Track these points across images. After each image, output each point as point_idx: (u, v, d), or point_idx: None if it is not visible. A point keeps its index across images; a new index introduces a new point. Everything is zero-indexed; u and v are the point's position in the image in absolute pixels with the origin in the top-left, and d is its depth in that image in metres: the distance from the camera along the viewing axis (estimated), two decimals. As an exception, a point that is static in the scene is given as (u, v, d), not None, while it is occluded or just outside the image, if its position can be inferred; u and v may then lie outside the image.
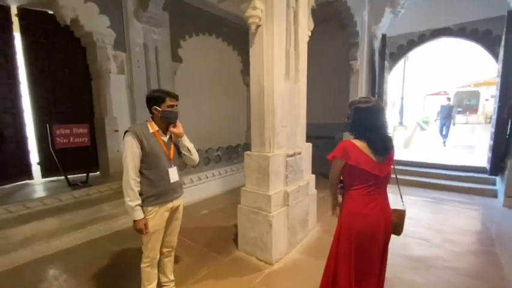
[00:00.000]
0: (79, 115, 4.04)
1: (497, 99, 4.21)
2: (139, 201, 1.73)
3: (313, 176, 3.42)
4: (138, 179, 1.73)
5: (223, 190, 5.10)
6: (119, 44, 3.91)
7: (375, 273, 1.62)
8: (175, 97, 1.84)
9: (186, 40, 4.87)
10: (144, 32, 4.09)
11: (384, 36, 5.31)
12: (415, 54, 8.93)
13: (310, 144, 3.37)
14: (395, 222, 1.64)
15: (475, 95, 16.73)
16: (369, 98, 1.61)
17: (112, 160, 3.93)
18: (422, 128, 12.87)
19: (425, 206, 4.22)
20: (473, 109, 16.86)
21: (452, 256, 2.76)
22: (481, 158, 5.83)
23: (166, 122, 1.86)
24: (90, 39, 3.67)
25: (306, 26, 3.02)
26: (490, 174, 4.62)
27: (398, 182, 1.76)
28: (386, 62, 5.51)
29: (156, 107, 1.79)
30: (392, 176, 1.67)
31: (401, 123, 9.64)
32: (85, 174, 3.80)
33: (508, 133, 4.25)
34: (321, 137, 6.35)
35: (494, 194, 4.53)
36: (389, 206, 1.63)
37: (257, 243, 2.69)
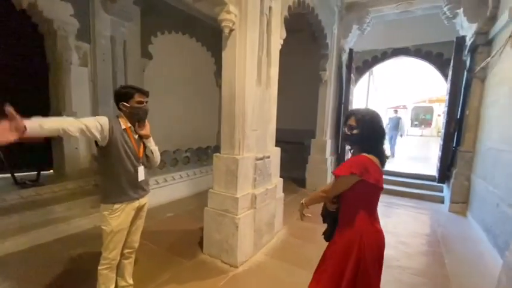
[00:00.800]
0: (33, 108, 3.68)
1: (446, 115, 4.70)
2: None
3: (281, 179, 3.50)
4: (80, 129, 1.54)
5: (191, 192, 4.98)
6: (83, 34, 3.67)
7: None
8: (145, 93, 1.80)
9: (158, 37, 4.72)
10: (111, 25, 3.89)
11: (351, 51, 5.66)
12: (379, 70, 9.65)
13: (279, 149, 3.45)
14: None
15: (429, 110, 18.50)
16: (368, 108, 1.57)
17: (69, 158, 3.64)
18: (383, 138, 13.82)
19: (382, 211, 4.53)
20: (427, 123, 18.61)
21: (403, 256, 3.00)
22: (433, 167, 6.43)
23: (135, 119, 1.81)
24: (49, 26, 3.40)
25: (278, 34, 3.11)
26: (438, 182, 5.12)
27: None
28: (352, 74, 5.86)
29: (124, 102, 1.74)
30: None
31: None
32: (36, 173, 3.46)
33: (454, 145, 4.75)
34: (290, 142, 6.54)
35: (441, 200, 5.03)
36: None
37: (223, 246, 2.67)
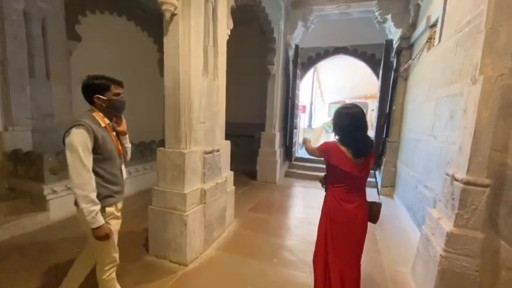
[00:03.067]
0: None
1: (377, 110, 5.28)
2: (100, 205, 1.49)
3: (232, 173, 3.46)
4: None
5: (134, 191, 4.59)
6: (-15, 5, 2.98)
7: (351, 259, 1.79)
8: (120, 84, 1.65)
9: (87, 16, 4.15)
10: (26, -3, 3.25)
11: (297, 47, 5.89)
12: (322, 67, 10.33)
13: (228, 142, 3.39)
14: (373, 213, 1.85)
15: (365, 106, 20.68)
16: (352, 104, 1.75)
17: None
18: (327, 131, 14.98)
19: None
20: (362, 117, 20.84)
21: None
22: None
23: (112, 114, 1.67)
24: None
25: (225, 23, 3.02)
26: (372, 170, 5.74)
27: (377, 180, 2.06)
28: (298, 70, 6.12)
29: (99, 95, 1.55)
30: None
31: (310, 126, 11.02)
32: None
33: (384, 137, 5.38)
34: (241, 135, 6.54)
35: (374, 185, 5.67)
36: (366, 203, 1.82)
37: (170, 245, 2.52)
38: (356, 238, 1.79)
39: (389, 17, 4.89)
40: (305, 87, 9.28)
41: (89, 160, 1.44)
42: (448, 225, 2.00)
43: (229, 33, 3.16)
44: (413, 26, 4.50)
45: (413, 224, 3.46)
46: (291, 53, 6.22)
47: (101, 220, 1.48)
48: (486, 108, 1.86)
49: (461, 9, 2.58)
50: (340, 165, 1.68)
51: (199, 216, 2.67)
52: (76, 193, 1.41)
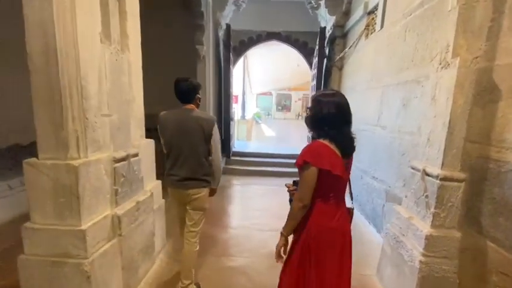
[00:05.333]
0: None
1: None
2: None
3: (159, 182, 2.60)
4: None
5: (7, 217, 3.11)
6: None
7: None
8: None
9: None
10: None
11: (228, 26, 5.21)
12: (252, 56, 9.94)
13: (151, 141, 2.51)
14: None
15: (289, 97, 21.81)
16: (334, 90, 1.41)
17: None
18: (257, 122, 14.95)
19: (272, 194, 4.49)
20: (288, 108, 21.97)
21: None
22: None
23: None
24: None
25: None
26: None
27: (350, 181, 1.49)
28: (231, 54, 5.47)
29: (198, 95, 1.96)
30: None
31: (243, 117, 10.65)
32: None
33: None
34: (167, 130, 5.50)
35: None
36: (346, 210, 1.44)
37: (61, 315, 1.57)
38: (348, 261, 1.41)
39: (322, 3, 4.74)
40: (236, 76, 8.73)
41: None
42: (424, 226, 1.79)
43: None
44: (347, 13, 4.46)
45: (361, 215, 3.40)
46: (222, 33, 5.51)
47: None
48: (461, 95, 1.68)
49: (412, -10, 2.43)
50: (333, 169, 1.24)
51: (113, 257, 1.78)
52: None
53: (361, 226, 3.28)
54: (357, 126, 3.75)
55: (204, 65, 4.77)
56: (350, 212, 1.48)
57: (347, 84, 4.43)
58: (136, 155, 2.11)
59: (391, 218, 2.21)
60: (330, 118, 1.27)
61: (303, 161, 1.24)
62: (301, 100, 21.75)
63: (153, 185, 2.47)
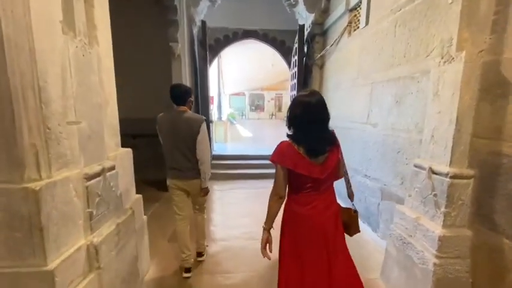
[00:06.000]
0: None
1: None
2: None
3: (140, 197, 2.28)
4: None
5: None
6: None
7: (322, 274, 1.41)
8: None
9: None
10: None
11: (203, 23, 4.92)
12: (225, 56, 9.65)
13: (129, 150, 2.18)
14: (345, 222, 1.53)
15: (262, 97, 21.81)
16: (309, 91, 1.38)
17: None
18: (231, 123, 14.66)
19: (255, 198, 4.31)
20: (261, 108, 21.94)
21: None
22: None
23: None
24: None
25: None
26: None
27: (349, 181, 1.62)
28: (207, 52, 5.17)
29: (191, 99, 2.20)
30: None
31: (220, 119, 10.29)
32: None
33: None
34: (140, 135, 5.04)
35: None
36: (334, 204, 1.47)
37: None
38: (332, 242, 1.43)
39: (301, 0, 4.65)
40: (211, 76, 8.39)
41: None
42: (435, 227, 1.72)
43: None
44: (326, 11, 4.42)
45: (353, 215, 3.35)
46: (196, 30, 5.19)
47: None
48: (468, 90, 1.63)
49: (401, -15, 2.39)
50: (296, 168, 1.32)
51: (89, 296, 1.45)
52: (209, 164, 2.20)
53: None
54: (344, 125, 3.71)
55: (179, 64, 4.43)
56: (348, 212, 1.54)
57: (330, 83, 4.39)
58: (112, 168, 1.79)
59: (394, 218, 2.13)
60: (296, 119, 1.32)
61: (271, 160, 1.38)
62: (274, 100, 21.88)
63: (133, 201, 2.14)
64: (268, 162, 5.10)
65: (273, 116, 21.34)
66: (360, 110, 3.18)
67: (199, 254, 2.50)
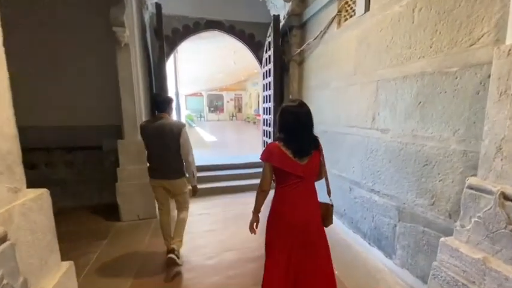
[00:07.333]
0: None
1: (273, 100, 4.43)
2: None
3: (71, 263, 1.38)
4: None
5: None
6: None
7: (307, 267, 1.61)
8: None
9: None
10: None
11: (158, 7, 3.98)
12: (182, 52, 8.59)
13: (42, 193, 1.28)
14: (323, 215, 1.69)
15: (221, 98, 20.88)
16: (298, 102, 1.60)
17: None
18: (190, 126, 13.51)
19: (236, 220, 3.57)
20: (220, 109, 21.01)
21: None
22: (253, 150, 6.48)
23: None
24: None
25: None
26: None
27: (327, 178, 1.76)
28: (163, 43, 4.23)
29: (172, 106, 2.45)
30: None
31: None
32: None
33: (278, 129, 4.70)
34: (77, 148, 3.89)
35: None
36: (314, 203, 1.65)
37: None
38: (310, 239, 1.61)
39: (275, -13, 4.07)
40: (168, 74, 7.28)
41: None
42: (519, 275, 1.26)
43: None
44: (304, 1, 3.91)
45: (355, 234, 2.87)
46: (148, 16, 4.23)
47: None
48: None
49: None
50: (282, 165, 1.52)
51: None
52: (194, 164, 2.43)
53: (356, 246, 2.75)
54: (332, 129, 3.21)
55: (127, 56, 3.43)
56: (325, 206, 1.70)
57: (312, 81, 3.88)
58: (4, 238, 0.91)
59: (439, 255, 1.65)
60: (288, 125, 1.53)
61: (261, 159, 1.57)
62: (233, 100, 21.15)
63: (56, 279, 1.24)
64: (245, 172, 4.39)
65: (234, 117, 20.61)
66: (360, 112, 2.71)
67: (171, 251, 2.37)
